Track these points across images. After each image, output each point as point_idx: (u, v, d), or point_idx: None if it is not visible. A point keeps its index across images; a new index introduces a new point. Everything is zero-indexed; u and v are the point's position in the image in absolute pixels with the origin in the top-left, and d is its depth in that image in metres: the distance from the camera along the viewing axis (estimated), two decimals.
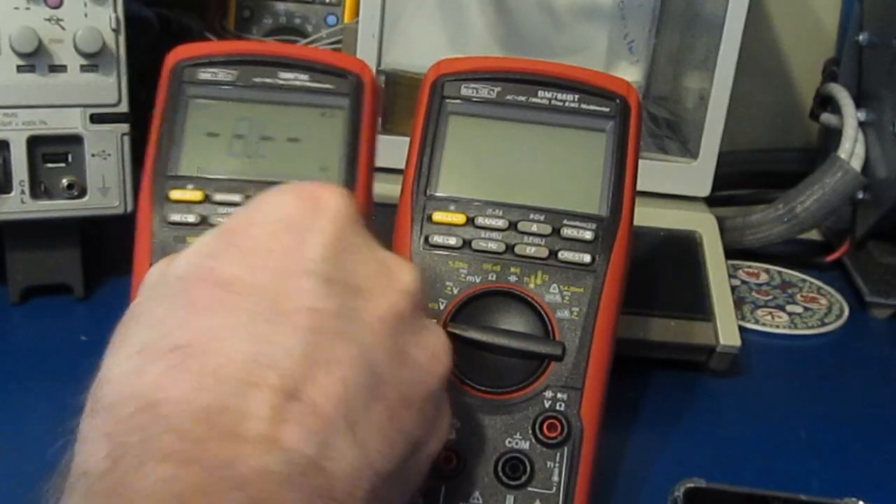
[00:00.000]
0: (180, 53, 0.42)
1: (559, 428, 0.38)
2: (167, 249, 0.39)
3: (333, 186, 0.31)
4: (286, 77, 0.41)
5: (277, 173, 0.40)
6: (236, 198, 0.40)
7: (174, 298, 0.28)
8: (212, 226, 0.39)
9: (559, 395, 0.38)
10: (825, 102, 0.72)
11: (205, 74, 0.41)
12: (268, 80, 0.41)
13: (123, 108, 0.55)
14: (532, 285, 0.39)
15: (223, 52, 0.42)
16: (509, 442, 0.38)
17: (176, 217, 0.39)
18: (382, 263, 0.31)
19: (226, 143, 0.41)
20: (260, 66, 0.41)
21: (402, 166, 0.42)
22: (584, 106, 0.41)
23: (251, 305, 0.27)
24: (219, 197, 0.40)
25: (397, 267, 0.31)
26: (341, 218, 0.30)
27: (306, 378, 0.26)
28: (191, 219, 0.39)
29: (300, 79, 0.41)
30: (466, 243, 0.40)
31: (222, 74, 0.41)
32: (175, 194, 0.40)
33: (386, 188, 0.43)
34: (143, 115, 0.42)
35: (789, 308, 0.64)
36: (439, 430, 0.32)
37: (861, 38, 0.68)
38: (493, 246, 0.39)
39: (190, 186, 0.40)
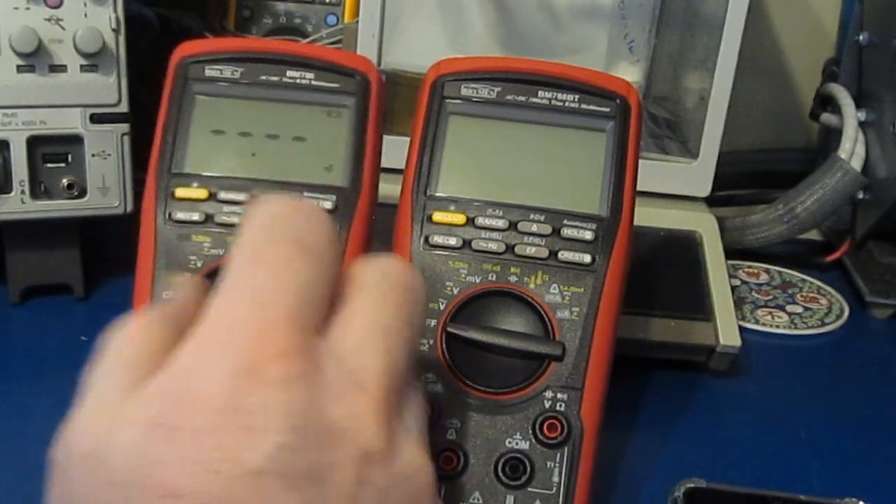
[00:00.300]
0: (186, 50, 0.42)
1: (559, 428, 0.38)
2: (171, 247, 0.39)
3: (271, 339, 0.26)
4: (292, 75, 0.41)
5: (283, 172, 0.40)
6: (241, 196, 0.40)
7: None
8: (217, 224, 0.39)
9: (559, 396, 0.38)
10: (825, 102, 0.72)
11: (211, 71, 0.41)
12: (274, 78, 0.41)
13: (123, 108, 0.55)
14: (532, 285, 0.39)
15: (229, 49, 0.42)
16: (509, 442, 0.38)
17: (180, 215, 0.39)
18: (336, 426, 0.26)
19: (231, 140, 0.41)
20: (266, 64, 0.41)
21: (402, 166, 0.42)
22: (584, 106, 0.41)
23: None
24: (224, 195, 0.40)
25: (353, 422, 0.27)
26: (287, 381, 0.26)
27: None
28: (195, 217, 0.39)
29: (306, 77, 0.41)
30: (466, 243, 0.40)
31: (228, 72, 0.41)
32: (180, 192, 0.40)
33: (386, 188, 0.43)
34: (143, 115, 0.42)
35: (789, 308, 0.64)
36: None
37: (861, 38, 0.68)
38: (493, 246, 0.39)
39: (195, 184, 0.40)
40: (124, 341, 0.28)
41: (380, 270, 0.31)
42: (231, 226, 0.39)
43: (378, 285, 0.30)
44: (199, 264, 0.39)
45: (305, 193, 0.40)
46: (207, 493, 0.24)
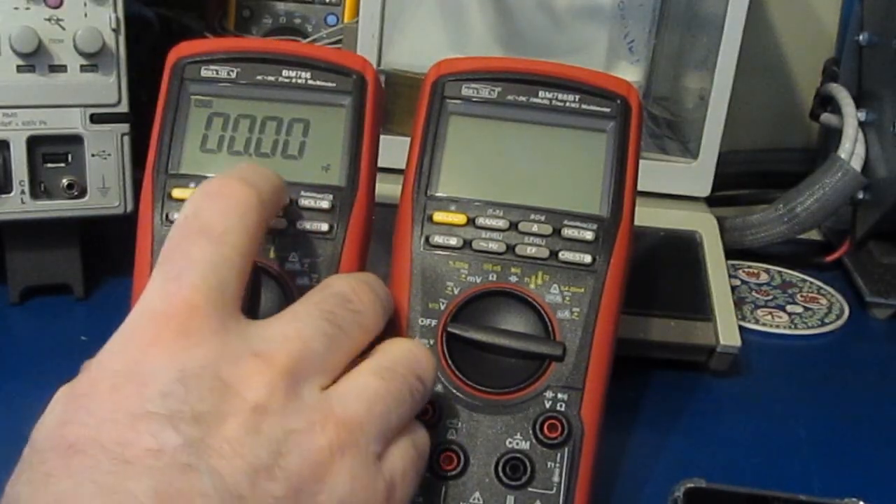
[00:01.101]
0: (182, 50, 0.42)
1: (560, 428, 0.38)
2: None
3: (172, 319, 0.30)
4: (289, 75, 0.41)
5: (280, 172, 0.40)
6: None
7: (34, 476, 0.28)
8: None
9: (560, 396, 0.38)
10: (825, 102, 0.72)
11: (207, 72, 0.41)
12: (270, 78, 0.41)
13: (123, 108, 0.55)
14: (533, 286, 0.39)
15: (225, 49, 0.42)
16: (510, 442, 0.38)
17: (177, 216, 0.39)
18: (226, 382, 0.29)
19: (227, 141, 0.41)
20: (262, 64, 0.41)
21: (403, 166, 0.42)
22: (584, 106, 0.41)
23: (96, 462, 0.27)
24: None
25: (244, 381, 0.30)
26: (181, 345, 0.30)
27: None
28: None
29: (303, 76, 0.41)
30: (467, 243, 0.40)
31: (224, 72, 0.41)
32: (177, 192, 0.40)
33: (386, 188, 0.43)
34: (144, 115, 0.42)
35: (789, 308, 0.64)
36: None
37: (861, 38, 0.68)
38: (493, 246, 0.39)
39: (192, 185, 0.40)
40: None
41: (326, 283, 0.35)
42: None
43: (313, 292, 0.34)
44: None
45: (303, 193, 0.40)
46: (102, 438, 0.28)
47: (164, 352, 0.29)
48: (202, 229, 0.32)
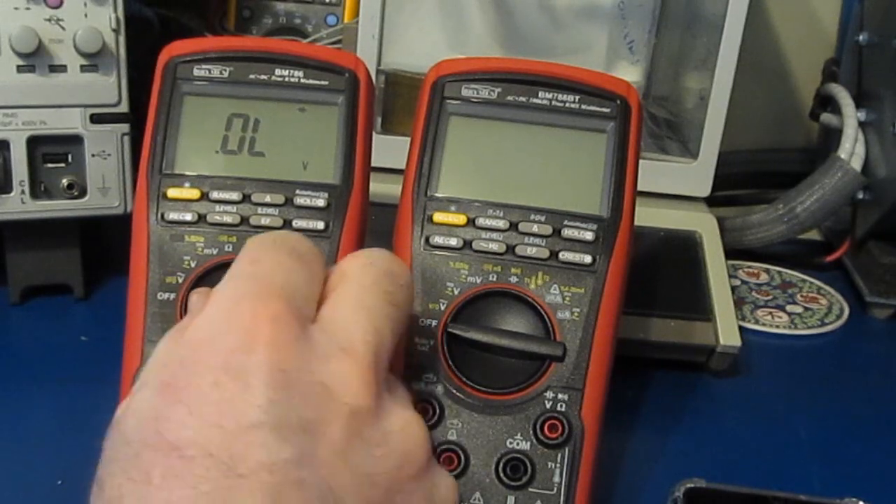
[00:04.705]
0: (174, 50, 0.42)
1: (560, 429, 0.38)
2: (164, 248, 0.39)
3: (265, 308, 0.30)
4: (281, 73, 0.41)
5: (274, 171, 0.40)
6: (233, 195, 0.40)
7: (129, 470, 0.27)
8: (210, 224, 0.39)
9: (560, 396, 0.38)
10: (825, 102, 0.72)
11: (199, 71, 0.41)
12: (263, 77, 0.41)
13: (123, 108, 0.55)
14: (533, 286, 0.39)
15: (218, 48, 0.42)
16: (510, 442, 0.38)
17: (174, 215, 0.39)
18: (324, 385, 0.29)
19: (221, 140, 0.41)
20: (255, 63, 0.41)
21: (403, 166, 0.42)
22: (584, 107, 0.41)
23: (207, 472, 0.26)
24: (216, 195, 0.40)
25: (340, 381, 0.30)
26: (278, 344, 0.29)
27: None
28: (188, 217, 0.39)
29: (295, 75, 0.41)
30: (467, 244, 0.40)
31: (217, 71, 0.41)
32: (172, 192, 0.40)
33: (386, 188, 0.43)
34: (144, 115, 0.42)
35: (789, 308, 0.64)
36: None
37: (861, 38, 0.68)
38: (493, 247, 0.39)
39: (187, 184, 0.40)
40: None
41: (362, 260, 0.34)
42: (224, 225, 0.39)
43: (361, 272, 0.34)
44: (192, 264, 0.39)
45: (297, 191, 0.40)
46: (210, 446, 0.27)
47: (260, 344, 0.29)
48: (291, 251, 0.33)
